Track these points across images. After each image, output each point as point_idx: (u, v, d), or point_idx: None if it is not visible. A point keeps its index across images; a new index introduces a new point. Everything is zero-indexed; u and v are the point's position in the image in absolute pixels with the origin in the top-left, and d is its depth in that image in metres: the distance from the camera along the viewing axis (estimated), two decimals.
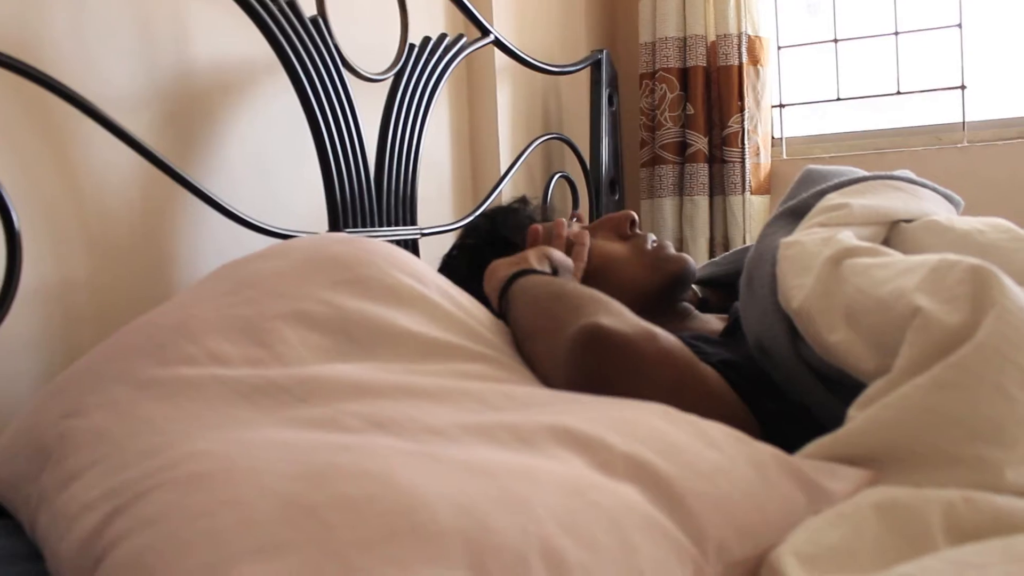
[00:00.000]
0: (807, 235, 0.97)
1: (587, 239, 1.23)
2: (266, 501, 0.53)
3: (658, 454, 0.61)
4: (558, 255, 1.14)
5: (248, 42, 1.39)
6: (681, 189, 2.45)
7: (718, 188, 2.43)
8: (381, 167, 1.51)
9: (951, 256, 0.75)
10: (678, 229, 2.44)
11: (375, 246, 0.99)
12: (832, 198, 1.05)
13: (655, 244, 1.28)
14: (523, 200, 1.40)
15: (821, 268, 0.87)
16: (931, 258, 0.76)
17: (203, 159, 1.42)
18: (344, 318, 0.85)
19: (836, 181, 1.09)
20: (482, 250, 1.32)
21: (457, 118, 2.08)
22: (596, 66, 2.24)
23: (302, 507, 0.52)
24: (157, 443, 0.69)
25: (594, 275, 1.18)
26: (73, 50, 1.22)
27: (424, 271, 0.96)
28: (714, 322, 1.30)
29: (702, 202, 2.41)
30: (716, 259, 1.50)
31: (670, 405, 0.79)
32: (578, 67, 2.17)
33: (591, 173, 2.21)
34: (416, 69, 1.58)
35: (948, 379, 0.67)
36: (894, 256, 0.85)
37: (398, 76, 1.55)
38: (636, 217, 1.29)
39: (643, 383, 0.82)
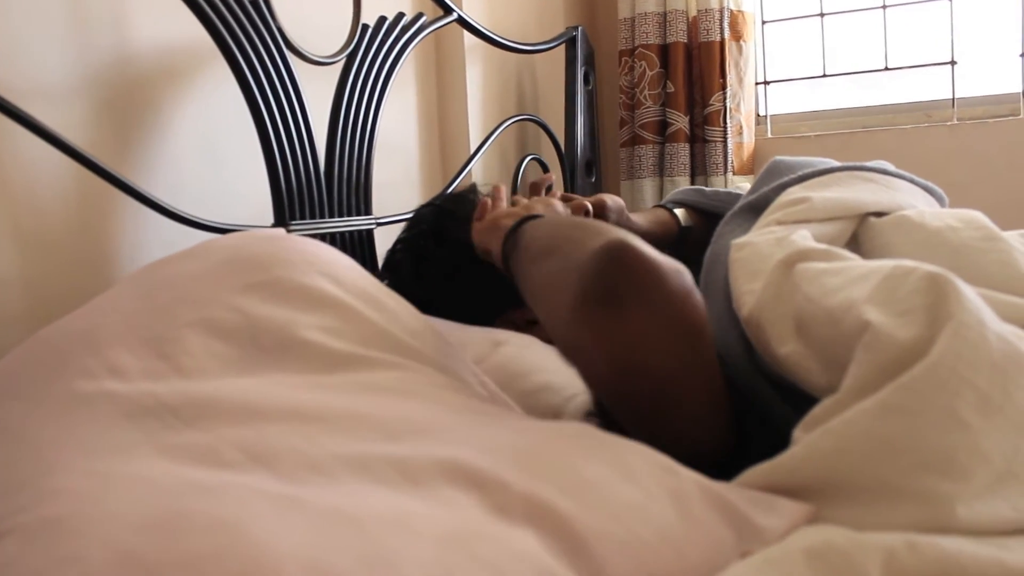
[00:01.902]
0: (761, 235, 0.90)
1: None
2: (104, 557, 0.47)
3: (562, 492, 0.54)
4: (559, 206, 1.09)
5: (192, 24, 1.31)
6: (662, 170, 2.37)
7: (700, 169, 2.36)
8: (332, 155, 1.43)
9: (907, 263, 0.68)
10: None
11: (298, 245, 0.92)
12: (793, 192, 0.98)
13: None
14: (472, 189, 1.33)
15: (772, 273, 0.80)
16: (885, 265, 0.69)
17: (147, 150, 1.35)
18: (252, 326, 0.79)
19: (800, 173, 1.01)
20: (426, 245, 1.25)
21: (425, 100, 2.01)
22: (571, 43, 2.15)
23: (141, 565, 0.46)
24: (27, 475, 0.63)
25: None
26: None
27: (346, 272, 0.89)
28: None
29: (683, 183, 2.33)
30: (705, 190, 1.39)
31: (673, 353, 0.71)
32: (551, 45, 2.09)
33: (566, 155, 2.14)
34: (370, 51, 1.50)
35: (897, 403, 0.60)
36: (850, 260, 0.78)
37: (350, 59, 1.47)
38: (591, 207, 1.21)
39: (658, 318, 0.72)
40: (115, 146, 1.30)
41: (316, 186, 1.39)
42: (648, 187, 2.36)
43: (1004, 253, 0.88)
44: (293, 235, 1.01)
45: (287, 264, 0.86)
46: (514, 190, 1.98)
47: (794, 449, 0.63)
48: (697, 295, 0.76)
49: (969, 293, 0.64)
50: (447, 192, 1.40)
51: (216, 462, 0.59)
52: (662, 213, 1.33)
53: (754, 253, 0.85)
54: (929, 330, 0.62)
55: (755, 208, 1.01)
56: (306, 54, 1.40)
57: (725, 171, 2.29)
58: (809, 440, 0.62)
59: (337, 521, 0.48)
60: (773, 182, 1.03)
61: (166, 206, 1.24)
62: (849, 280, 0.71)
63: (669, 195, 1.42)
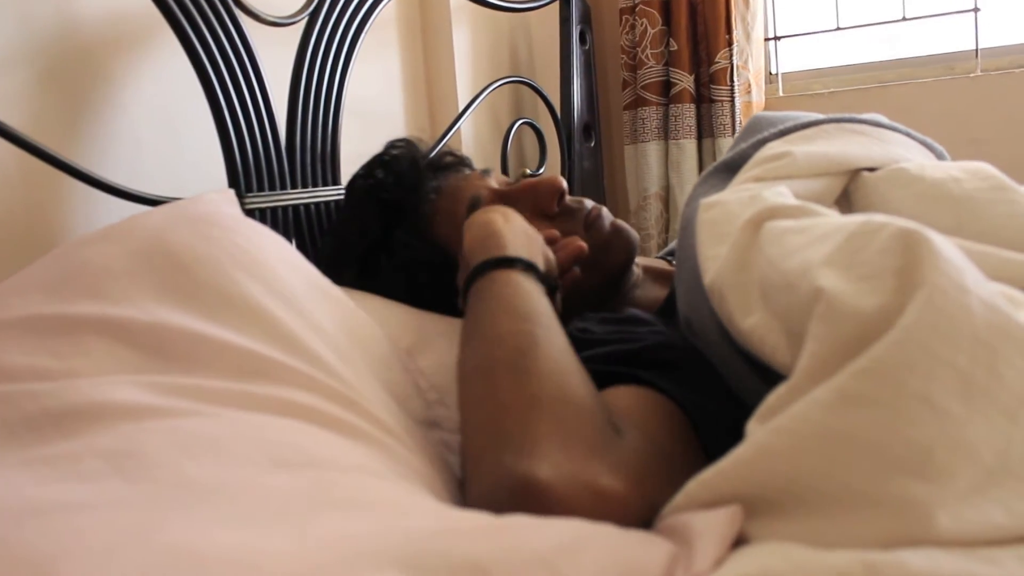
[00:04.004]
0: (734, 193, 0.79)
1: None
2: None
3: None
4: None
5: None
6: (666, 132, 2.25)
7: (706, 130, 2.23)
8: (294, 124, 1.34)
9: (878, 218, 0.57)
10: (664, 176, 2.26)
11: (227, 235, 0.84)
12: (773, 146, 0.87)
13: (590, 219, 1.06)
14: (407, 142, 1.21)
15: (739, 234, 0.70)
16: (853, 220, 0.59)
17: (97, 123, 1.26)
18: (160, 338, 0.71)
19: (781, 127, 0.90)
20: (369, 238, 1.15)
21: (411, 65, 1.91)
22: (564, 1, 2.04)
23: None
24: None
25: None
26: None
27: (277, 273, 0.81)
28: (658, 290, 1.13)
29: (689, 146, 2.21)
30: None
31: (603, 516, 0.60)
32: (541, 3, 1.97)
33: (562, 118, 2.02)
34: (335, 10, 1.40)
35: (857, 391, 0.49)
36: (824, 216, 0.67)
37: (312, 19, 1.38)
38: (564, 187, 1.07)
39: (579, 516, 0.59)
40: (61, 120, 1.22)
41: (276, 156, 1.30)
42: (652, 151, 2.24)
43: (1014, 204, 0.78)
44: (230, 213, 0.93)
45: (208, 261, 0.79)
46: (504, 154, 1.88)
47: (740, 450, 0.53)
48: (635, 469, 0.63)
49: (948, 252, 0.53)
50: (380, 157, 1.26)
51: (73, 475, 0.51)
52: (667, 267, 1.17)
53: (723, 213, 0.75)
54: (897, 298, 0.52)
55: (731, 167, 0.90)
56: (260, 14, 1.30)
57: (733, 132, 2.17)
58: (757, 439, 0.52)
59: (175, 561, 0.40)
60: (753, 138, 0.93)
61: (113, 184, 1.16)
62: (811, 239, 0.60)
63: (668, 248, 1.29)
